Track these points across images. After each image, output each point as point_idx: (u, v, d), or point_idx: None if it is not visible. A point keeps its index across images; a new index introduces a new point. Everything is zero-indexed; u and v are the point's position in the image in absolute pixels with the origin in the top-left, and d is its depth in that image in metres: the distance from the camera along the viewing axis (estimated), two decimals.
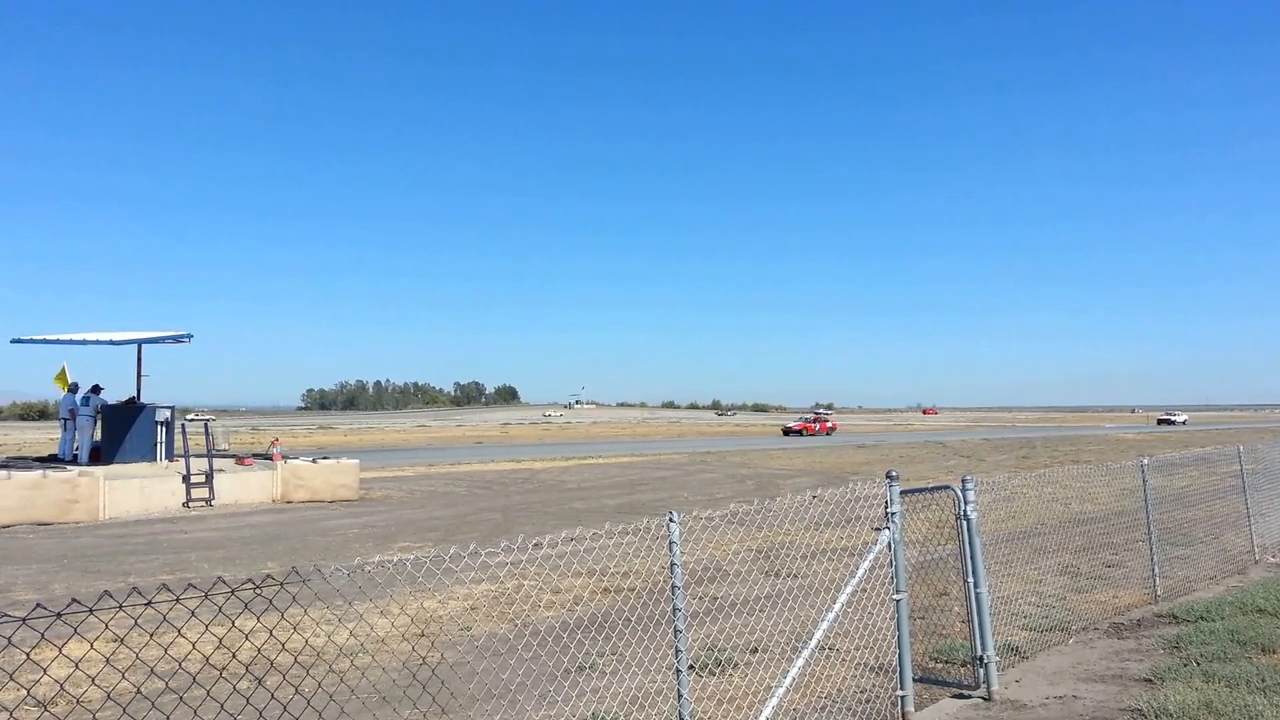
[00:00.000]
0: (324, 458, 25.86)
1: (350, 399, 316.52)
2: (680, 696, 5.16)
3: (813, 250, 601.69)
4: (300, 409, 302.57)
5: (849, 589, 5.99)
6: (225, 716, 5.21)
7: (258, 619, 5.53)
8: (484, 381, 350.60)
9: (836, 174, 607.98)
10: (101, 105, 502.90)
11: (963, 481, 7.22)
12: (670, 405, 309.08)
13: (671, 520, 5.29)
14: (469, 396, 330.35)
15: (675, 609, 5.20)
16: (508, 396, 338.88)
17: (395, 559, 5.85)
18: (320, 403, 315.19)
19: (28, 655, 4.70)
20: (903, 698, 6.34)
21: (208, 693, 5.82)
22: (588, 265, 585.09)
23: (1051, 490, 11.87)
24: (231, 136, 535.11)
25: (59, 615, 3.68)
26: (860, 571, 6.10)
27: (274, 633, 5.86)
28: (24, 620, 3.69)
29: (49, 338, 24.35)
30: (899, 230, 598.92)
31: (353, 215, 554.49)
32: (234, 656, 5.42)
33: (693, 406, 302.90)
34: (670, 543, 5.24)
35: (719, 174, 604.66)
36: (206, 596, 4.26)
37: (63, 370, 24.35)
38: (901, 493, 6.57)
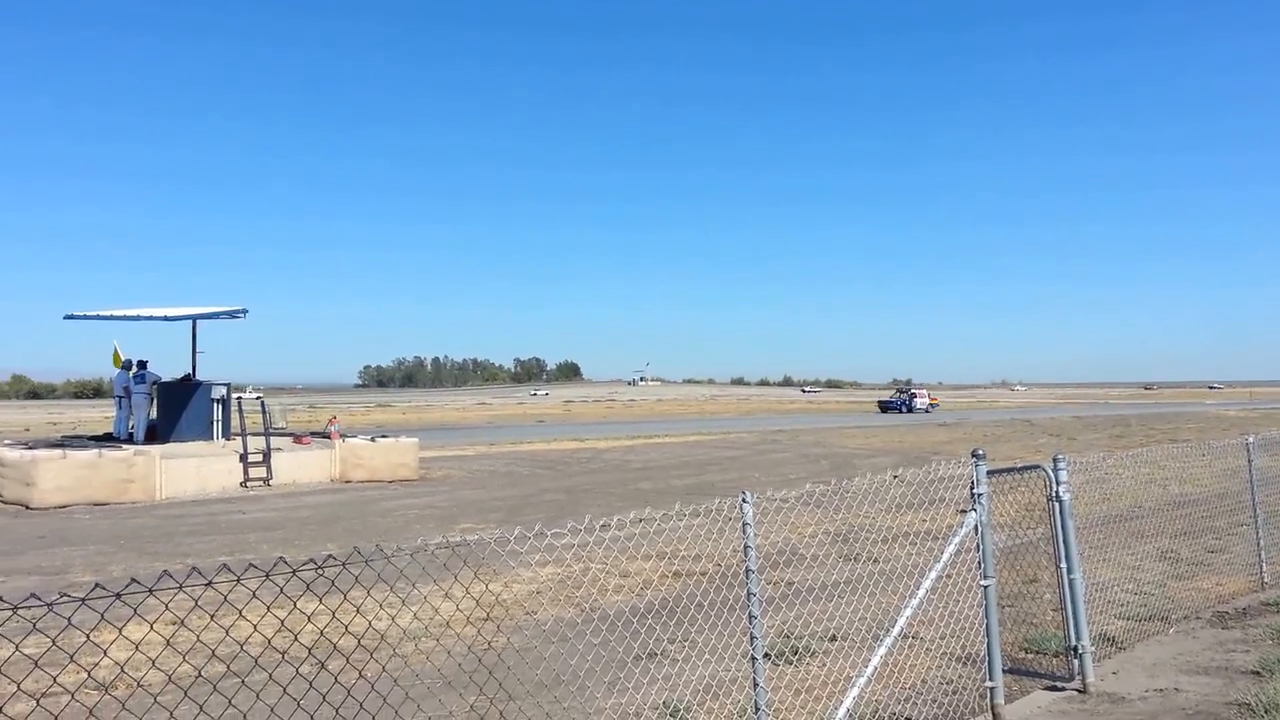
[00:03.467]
0: (383, 436, 26.29)
1: (408, 376, 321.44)
2: (756, 685, 5.17)
3: (888, 222, 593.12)
4: (358, 386, 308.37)
5: (933, 574, 5.93)
6: (288, 700, 5.34)
7: (320, 600, 5.65)
8: (545, 358, 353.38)
9: (913, 141, 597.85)
10: (155, 79, 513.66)
11: (1054, 461, 7.09)
12: (740, 382, 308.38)
13: (745, 501, 5.28)
14: (529, 373, 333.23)
15: (750, 594, 5.20)
16: (570, 373, 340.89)
17: (458, 540, 5.94)
18: (378, 380, 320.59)
19: (88, 636, 4.88)
20: (992, 689, 6.28)
21: (270, 676, 5.97)
22: (651, 239, 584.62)
23: (1148, 471, 11.62)
24: (287, 109, 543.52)
25: (118, 596, 3.79)
26: (945, 556, 6.04)
27: (337, 615, 6.00)
28: (83, 601, 3.82)
29: (102, 314, 24.98)
30: (982, 198, 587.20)
31: (411, 189, 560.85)
32: (295, 639, 5.55)
33: (763, 383, 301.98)
34: (744, 524, 5.24)
35: (797, 141, 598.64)
36: (268, 577, 4.37)
37: (115, 349, 25.02)
38: (988, 473, 6.47)
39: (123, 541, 14.44)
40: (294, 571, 4.36)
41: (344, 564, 4.66)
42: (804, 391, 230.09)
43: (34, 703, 5.97)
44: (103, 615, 4.37)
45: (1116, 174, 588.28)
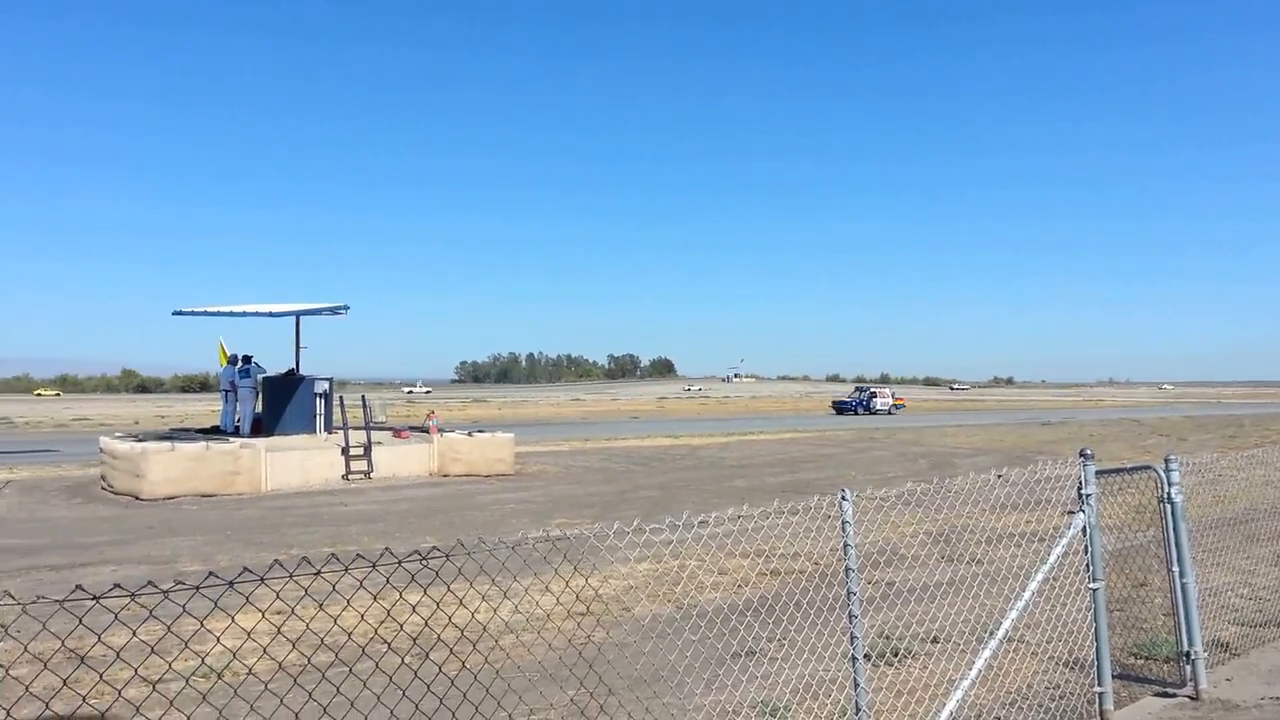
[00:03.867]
0: (479, 431, 26.72)
1: (503, 372, 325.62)
2: (856, 686, 5.15)
3: (985, 214, 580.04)
4: (454, 382, 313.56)
5: (1039, 576, 5.83)
6: (393, 689, 5.50)
7: (424, 591, 5.80)
8: (638, 354, 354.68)
9: (1019, 129, 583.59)
10: (260, 80, 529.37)
11: (1166, 461, 6.90)
12: (835, 379, 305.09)
13: (844, 499, 5.26)
14: (623, 369, 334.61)
15: (850, 592, 5.18)
16: (664, 369, 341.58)
17: (555, 534, 6.03)
18: (474, 375, 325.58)
19: (201, 623, 5.08)
20: (1100, 695, 6.15)
21: (376, 665, 6.17)
22: (746, 233, 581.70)
23: (1264, 473, 11.22)
24: (385, 107, 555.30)
25: (231, 584, 3.94)
26: (1052, 558, 5.92)
27: (440, 605, 6.15)
28: (197, 589, 3.99)
29: (209, 310, 25.80)
30: (1086, 190, 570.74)
31: (506, 184, 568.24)
32: (401, 628, 5.71)
33: (859, 380, 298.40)
34: (843, 522, 5.21)
35: (892, 133, 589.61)
36: (374, 567, 4.49)
37: (220, 345, 25.88)
38: (1096, 473, 6.33)
39: (229, 532, 14.95)
40: (399, 562, 4.49)
41: (447, 555, 4.77)
42: (951, 389, 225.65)
43: (150, 687, 6.25)
44: (215, 603, 4.56)
45: (1239, 168, 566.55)
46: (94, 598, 3.53)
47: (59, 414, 75.40)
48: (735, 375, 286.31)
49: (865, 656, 5.46)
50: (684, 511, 5.72)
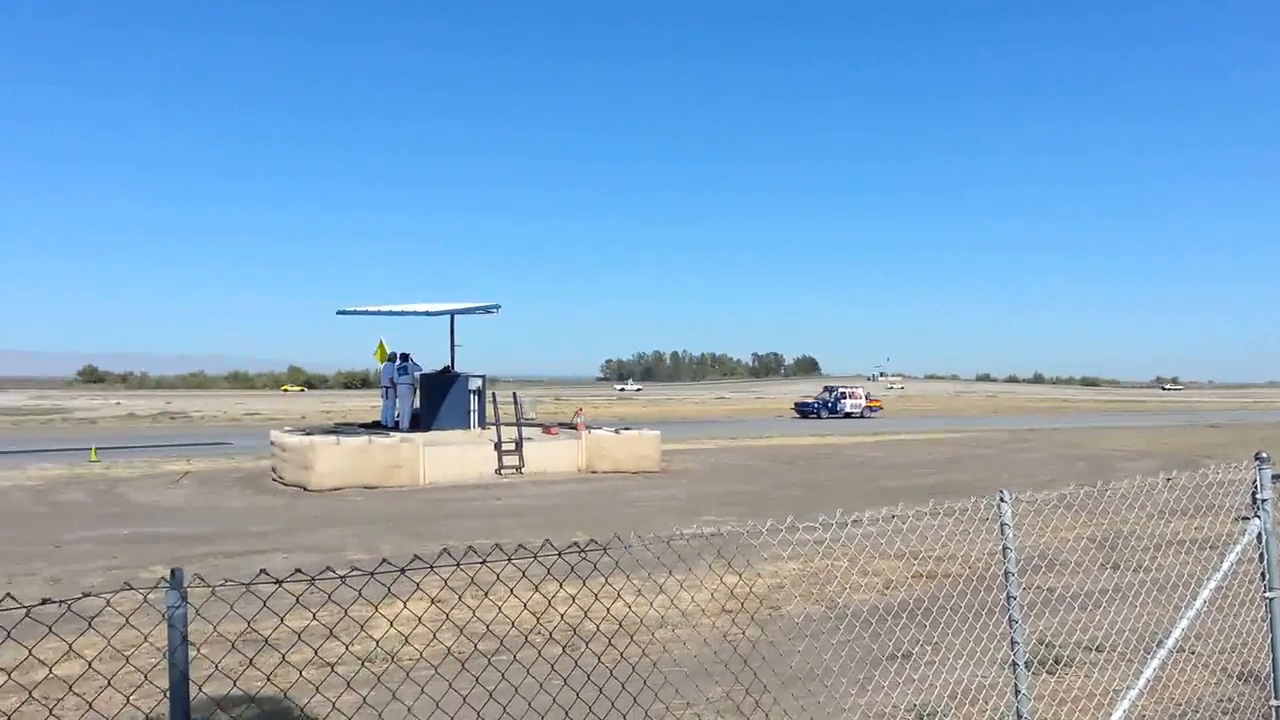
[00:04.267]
0: (626, 429, 27.06)
1: (647, 370, 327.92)
2: (1017, 693, 5.06)
3: (1145, 209, 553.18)
4: (599, 379, 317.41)
5: (1210, 585, 5.60)
6: (554, 676, 5.69)
7: (583, 582, 5.98)
8: (783, 352, 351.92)
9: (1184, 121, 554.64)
10: (412, 90, 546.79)
11: None
12: (986, 378, 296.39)
13: (1003, 500, 5.18)
14: (767, 368, 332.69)
15: (1010, 597, 5.09)
16: (808, 368, 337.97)
17: (703, 531, 6.11)
18: (619, 373, 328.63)
19: (375, 608, 5.37)
20: (1276, 708, 5.87)
21: (539, 653, 6.36)
22: (891, 230, 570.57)
23: None
24: (536, 115, 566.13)
25: (403, 571, 4.14)
26: (1225, 565, 5.68)
27: (598, 597, 6.31)
28: (372, 574, 4.22)
29: (369, 309, 26.89)
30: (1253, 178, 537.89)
31: (650, 184, 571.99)
32: (562, 618, 5.89)
33: (1011, 379, 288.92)
34: (1001, 524, 5.13)
35: (1041, 125, 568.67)
36: (535, 558, 4.66)
37: (380, 344, 26.91)
38: (1273, 477, 6.04)
39: (391, 522, 15.58)
40: (559, 554, 4.65)
41: (604, 549, 4.91)
42: (1164, 389, 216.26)
43: (328, 669, 6.60)
44: (389, 588, 4.83)
45: None
46: (277, 581, 3.78)
47: (231, 409, 79.64)
48: (881, 374, 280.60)
49: (1025, 664, 5.37)
50: (833, 510, 5.72)
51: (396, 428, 24.45)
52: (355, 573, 4.28)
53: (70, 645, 4.64)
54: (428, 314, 26.55)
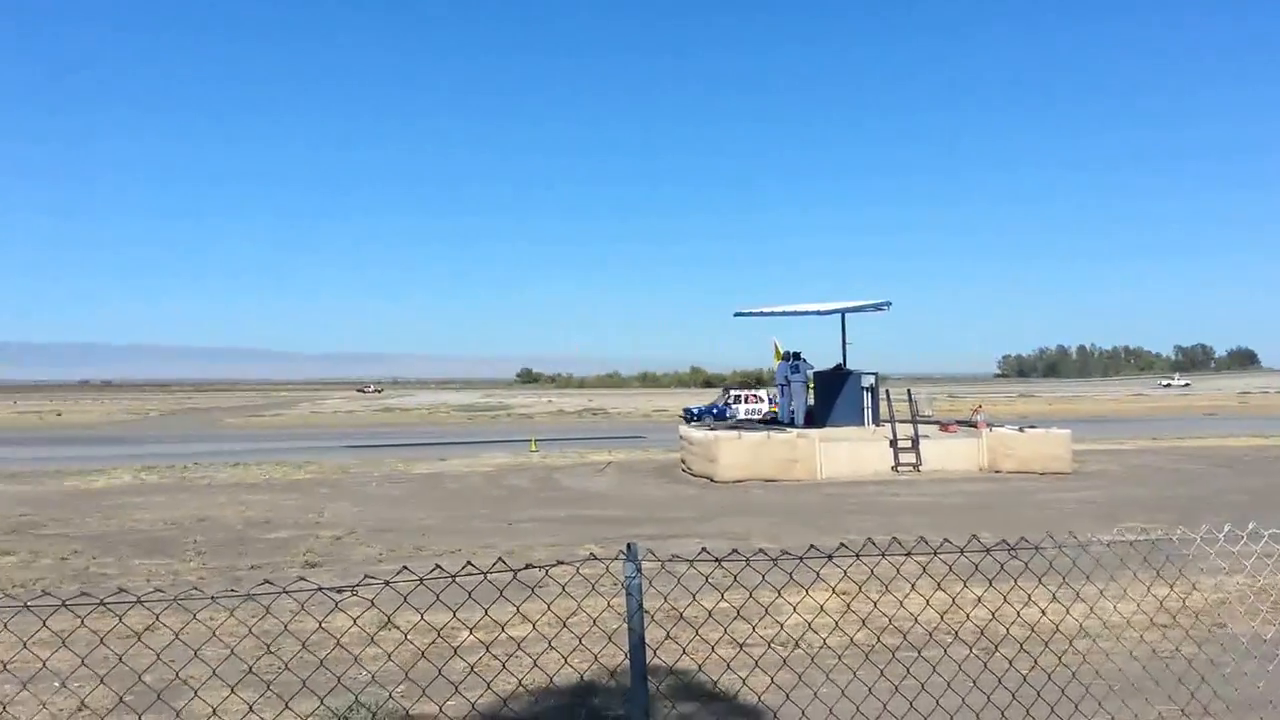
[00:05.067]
0: (1030, 427, 25.55)
1: (1050, 365, 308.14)
2: None
3: None
4: (997, 376, 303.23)
5: None
6: (962, 678, 5.42)
7: (990, 583, 5.65)
8: (1212, 344, 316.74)
9: None
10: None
11: None
12: None
13: None
14: (1193, 361, 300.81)
15: None
16: (1243, 361, 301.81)
17: (1126, 538, 5.54)
18: (1018, 369, 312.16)
19: (779, 593, 5.37)
20: None
21: (944, 651, 6.11)
22: None
23: None
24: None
25: (801, 559, 4.13)
26: None
27: (1007, 600, 5.95)
28: (775, 561, 4.21)
29: (764, 310, 27.43)
30: None
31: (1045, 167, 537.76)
32: (968, 618, 5.62)
33: None
34: None
35: None
36: (935, 555, 4.45)
37: (774, 343, 27.35)
38: None
39: (790, 514, 15.74)
40: (960, 551, 4.40)
41: (1012, 549, 4.60)
42: None
43: (737, 648, 6.72)
44: (790, 575, 4.80)
45: None
46: (717, 560, 3.88)
47: (642, 406, 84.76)
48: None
49: None
50: None
51: (792, 424, 24.70)
52: (786, 555, 4.29)
53: (518, 607, 5.10)
54: (819, 313, 26.65)
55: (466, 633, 6.25)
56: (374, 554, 12.39)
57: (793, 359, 25.51)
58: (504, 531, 14.29)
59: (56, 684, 6.47)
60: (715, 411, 50.84)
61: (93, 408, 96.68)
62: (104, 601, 3.50)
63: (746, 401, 52.02)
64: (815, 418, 24.41)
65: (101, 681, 5.70)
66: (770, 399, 51.34)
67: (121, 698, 5.02)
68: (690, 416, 51.40)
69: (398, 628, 6.27)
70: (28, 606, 3.57)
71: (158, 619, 5.89)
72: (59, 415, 76.39)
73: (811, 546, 4.19)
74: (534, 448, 31.72)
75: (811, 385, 25.21)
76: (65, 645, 5.13)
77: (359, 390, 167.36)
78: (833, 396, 24.46)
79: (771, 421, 27.12)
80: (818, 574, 6.57)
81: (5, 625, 6.08)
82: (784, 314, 27.39)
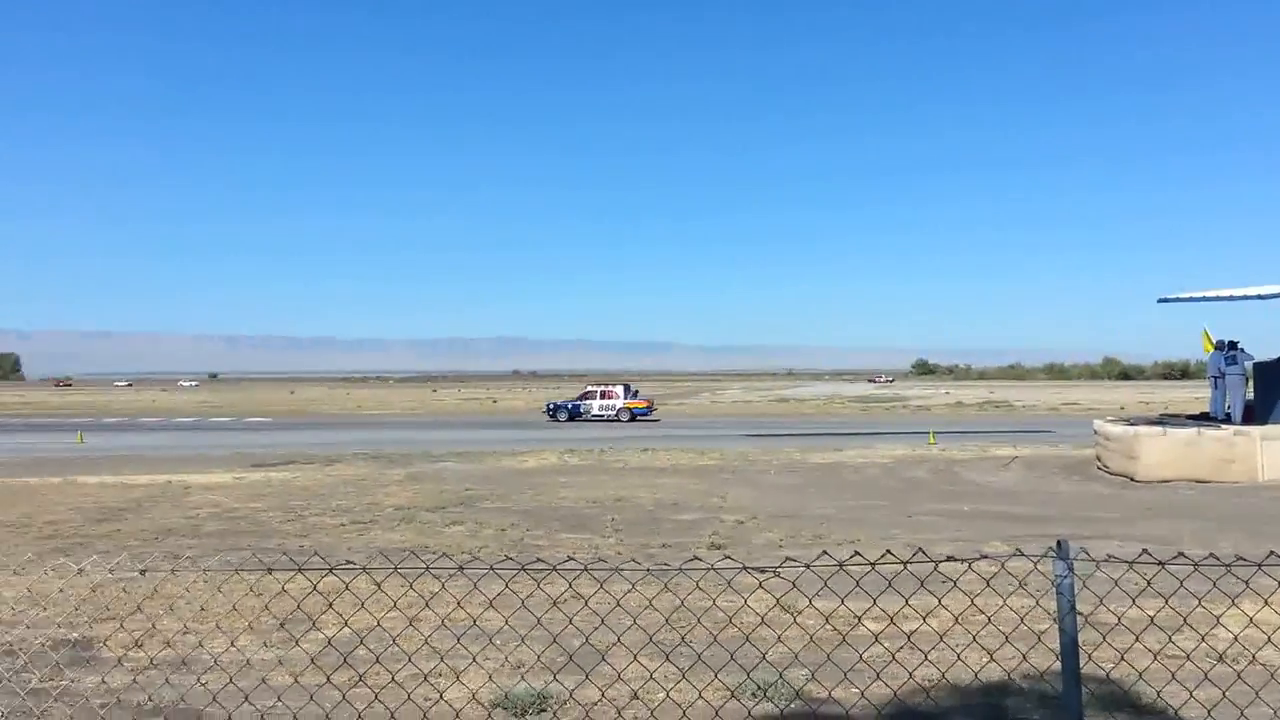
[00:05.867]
0: None
1: None
2: None
3: None
4: None
5: None
6: None
7: None
8: None
9: None
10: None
11: None
12: None
13: None
14: None
15: None
16: None
17: None
18: None
19: (1199, 600, 5.27)
20: None
21: None
22: None
23: None
24: None
25: (1260, 567, 4.11)
26: None
27: None
28: (1228, 568, 4.21)
29: (1193, 295, 25.18)
30: None
31: None
32: None
33: None
34: None
35: None
36: None
37: (1204, 332, 25.02)
38: None
39: (1227, 520, 14.50)
40: None
41: None
42: None
43: (1151, 657, 6.54)
44: (1214, 584, 4.74)
45: None
46: (1159, 563, 4.01)
47: (1049, 399, 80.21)
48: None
49: None
50: None
51: (1227, 420, 22.57)
52: (1242, 562, 4.25)
53: (940, 600, 5.43)
54: (1260, 298, 24.04)
55: (885, 622, 6.58)
56: (775, 539, 12.91)
57: (1228, 349, 23.28)
58: (904, 524, 14.40)
59: (486, 641, 7.17)
60: (570, 408, 53.50)
61: (521, 395, 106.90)
62: (525, 567, 4.16)
63: (601, 398, 53.40)
64: (1256, 413, 22.16)
65: (522, 641, 6.70)
66: (624, 396, 54.40)
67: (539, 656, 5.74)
68: (551, 410, 54.75)
69: (818, 610, 6.73)
70: (461, 570, 4.36)
71: (571, 585, 6.25)
72: (494, 402, 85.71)
73: (1271, 553, 4.01)
74: (932, 440, 31.37)
75: (1250, 378, 22.93)
76: (493, 606, 6.14)
77: (869, 381, 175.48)
78: (1277, 391, 22.07)
79: (1204, 417, 24.89)
80: (1245, 583, 6.27)
81: (444, 585, 7.25)
82: (1218, 299, 24.95)
